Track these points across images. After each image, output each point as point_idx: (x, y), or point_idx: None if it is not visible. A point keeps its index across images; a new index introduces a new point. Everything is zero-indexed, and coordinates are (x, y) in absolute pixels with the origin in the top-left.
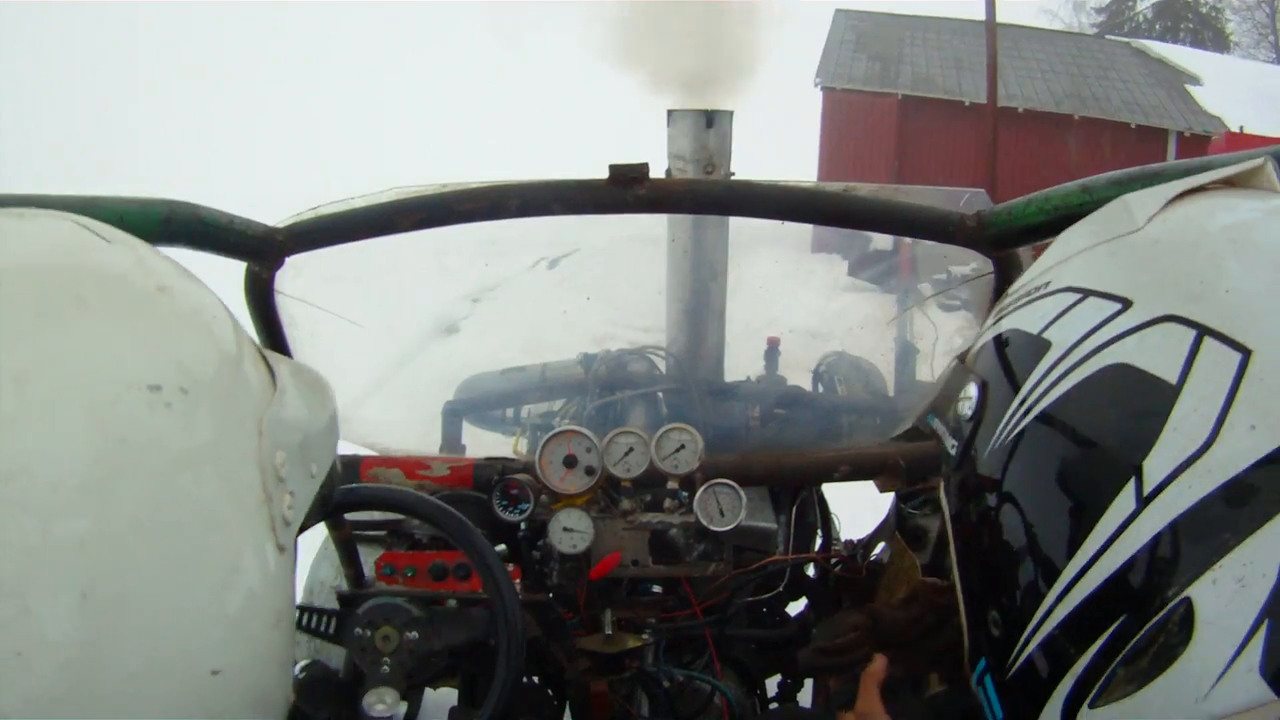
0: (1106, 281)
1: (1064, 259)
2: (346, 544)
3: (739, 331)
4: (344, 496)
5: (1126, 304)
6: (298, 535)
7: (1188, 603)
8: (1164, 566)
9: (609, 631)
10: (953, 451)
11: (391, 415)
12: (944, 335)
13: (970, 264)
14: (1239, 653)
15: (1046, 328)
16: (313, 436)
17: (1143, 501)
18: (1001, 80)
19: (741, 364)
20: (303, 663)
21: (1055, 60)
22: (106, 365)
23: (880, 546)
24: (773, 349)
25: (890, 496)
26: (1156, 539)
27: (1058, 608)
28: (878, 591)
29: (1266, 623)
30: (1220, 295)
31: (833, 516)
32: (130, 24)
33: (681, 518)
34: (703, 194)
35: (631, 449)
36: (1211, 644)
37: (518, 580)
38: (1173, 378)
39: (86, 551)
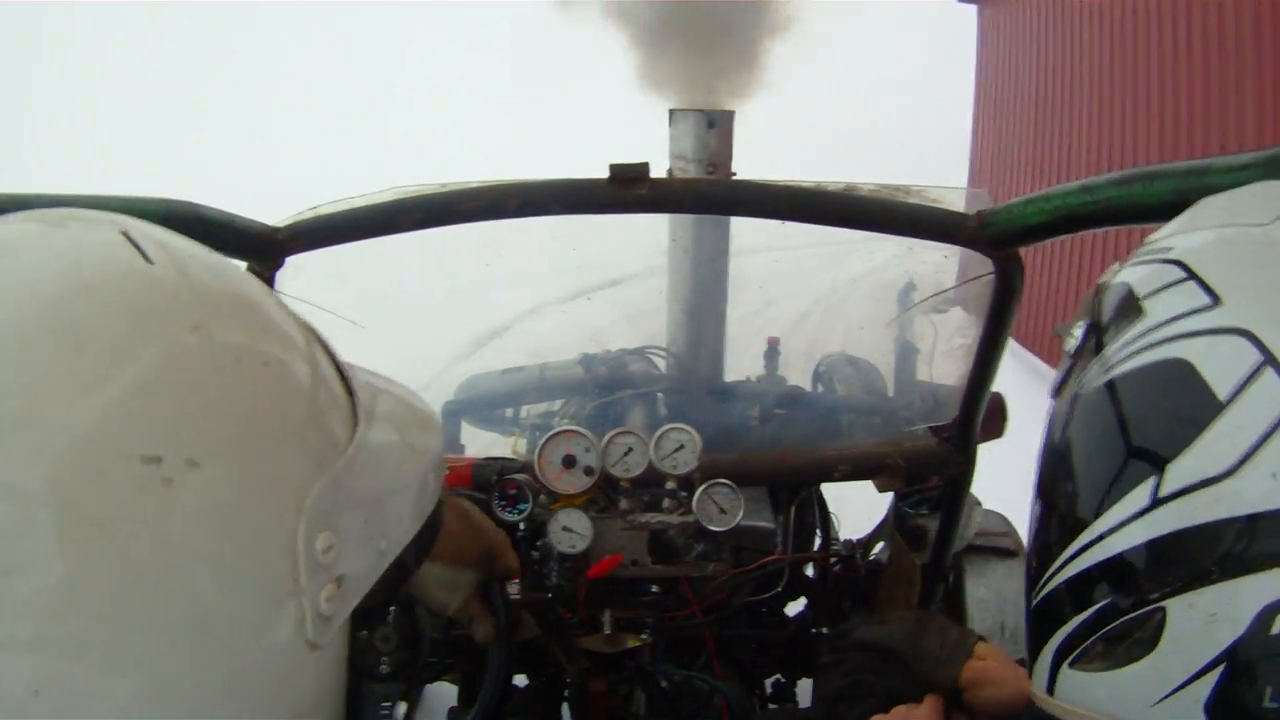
0: (1210, 271)
1: (1193, 228)
2: None
3: (739, 331)
4: None
5: (1216, 301)
6: (352, 621)
7: (1162, 613)
8: (1153, 571)
9: (608, 631)
10: (1055, 382)
11: None
12: (944, 335)
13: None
14: (1190, 681)
15: (1149, 295)
16: (392, 501)
17: (1155, 501)
18: None
19: (741, 364)
20: None
21: None
22: (98, 428)
23: (879, 546)
24: (773, 349)
25: (890, 496)
26: (1154, 542)
27: (1069, 564)
28: (876, 592)
29: (1224, 667)
30: None
31: (832, 516)
32: (130, 23)
33: (680, 517)
34: (703, 194)
35: (630, 449)
36: (1171, 660)
37: (517, 580)
38: (1224, 394)
39: (41, 660)
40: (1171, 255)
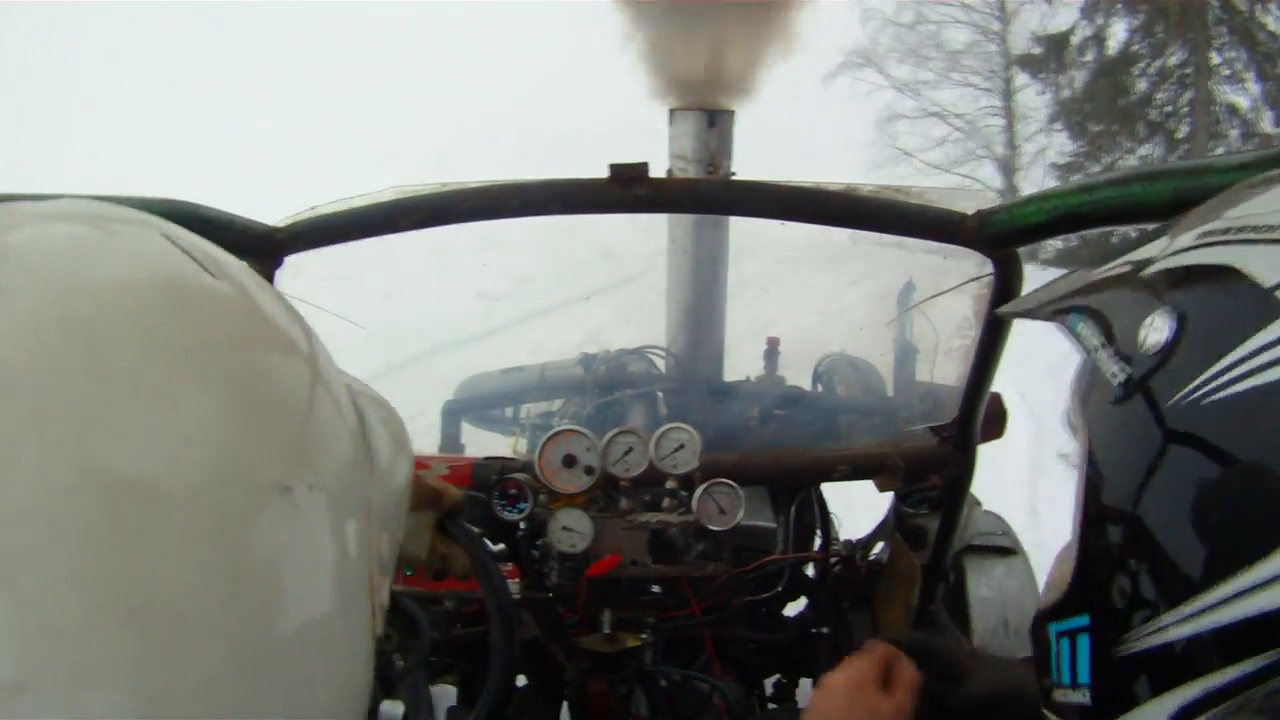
0: None
1: None
2: None
3: (739, 331)
4: None
5: None
6: None
7: None
8: None
9: (608, 631)
10: (1116, 380)
11: None
12: (943, 335)
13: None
14: None
15: None
16: (400, 499)
17: None
18: None
19: (741, 364)
20: None
21: None
22: (231, 461)
23: (879, 546)
24: (772, 349)
25: (889, 496)
26: None
27: (1216, 610)
28: (876, 592)
29: None
30: None
31: (831, 516)
32: (128, 23)
33: (680, 517)
34: (703, 193)
35: (631, 448)
36: None
37: (516, 580)
38: None
39: (223, 682)
40: None
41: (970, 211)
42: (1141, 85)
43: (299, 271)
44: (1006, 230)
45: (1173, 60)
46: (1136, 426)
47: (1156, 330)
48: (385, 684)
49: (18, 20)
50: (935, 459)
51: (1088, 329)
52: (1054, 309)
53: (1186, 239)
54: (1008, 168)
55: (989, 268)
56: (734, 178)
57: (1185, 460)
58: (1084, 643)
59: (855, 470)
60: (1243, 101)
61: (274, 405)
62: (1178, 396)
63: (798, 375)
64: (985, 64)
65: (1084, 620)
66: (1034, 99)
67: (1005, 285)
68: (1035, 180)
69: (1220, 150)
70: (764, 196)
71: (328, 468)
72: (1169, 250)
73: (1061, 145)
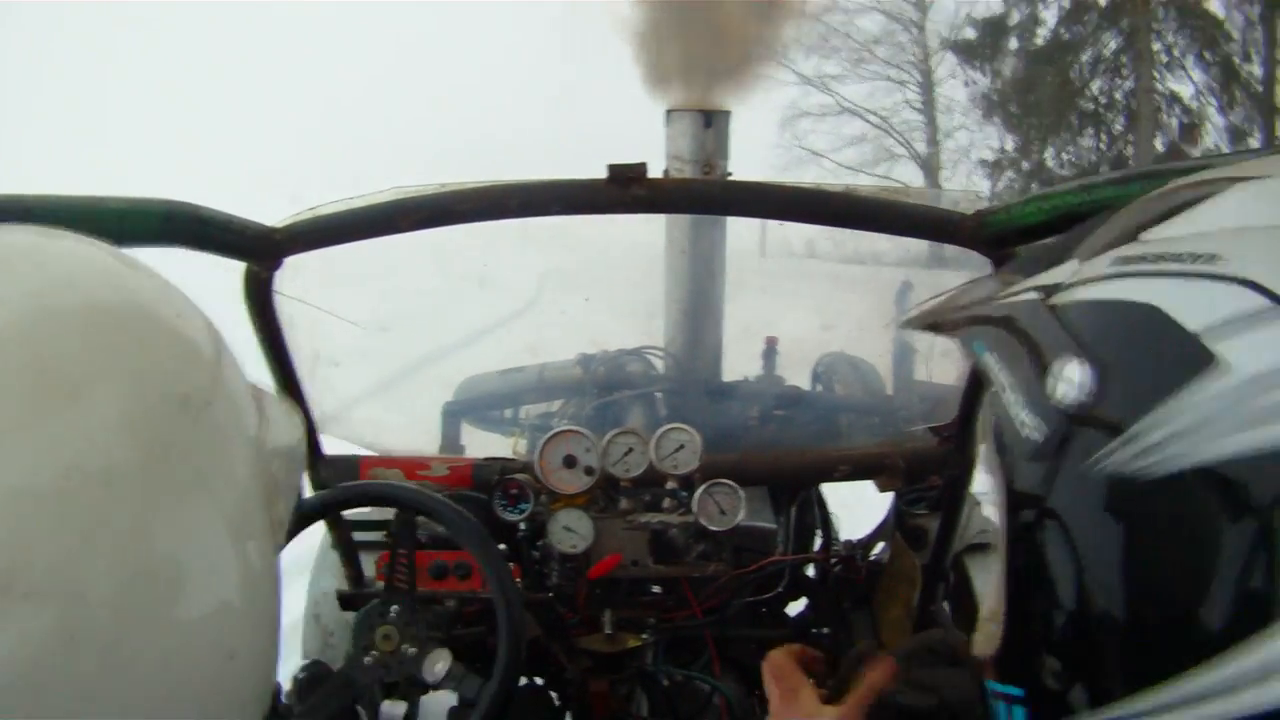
0: None
1: (1240, 226)
2: (346, 544)
3: (737, 331)
4: (345, 493)
5: None
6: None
7: None
8: None
9: (609, 631)
10: (1026, 433)
11: (391, 415)
12: (941, 336)
13: None
14: None
15: (1213, 334)
16: (295, 455)
17: None
18: None
19: (740, 364)
20: (303, 663)
21: None
22: (148, 379)
23: (880, 546)
24: (771, 349)
25: (890, 496)
26: None
27: (1171, 715)
28: (877, 592)
29: None
30: None
31: (832, 516)
32: (126, 22)
33: (681, 518)
34: (701, 194)
35: (631, 449)
36: None
37: (517, 580)
38: None
39: (135, 538)
40: (1229, 271)
41: (970, 212)
42: (1075, 74)
43: (298, 271)
44: (1006, 230)
45: (1110, 46)
46: (1055, 492)
47: (1067, 382)
48: (387, 688)
49: (16, 20)
50: (935, 459)
51: (994, 363)
52: (956, 323)
53: (1100, 264)
54: (930, 166)
55: (989, 268)
56: (730, 178)
57: (1109, 539)
58: (1019, 714)
59: (855, 470)
60: (1185, 90)
61: (178, 345)
62: (1099, 464)
63: (796, 375)
64: (899, 55)
65: (1018, 692)
66: (957, 91)
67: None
68: (961, 179)
69: (1160, 142)
70: (763, 197)
71: (216, 393)
72: (1080, 277)
73: (988, 140)
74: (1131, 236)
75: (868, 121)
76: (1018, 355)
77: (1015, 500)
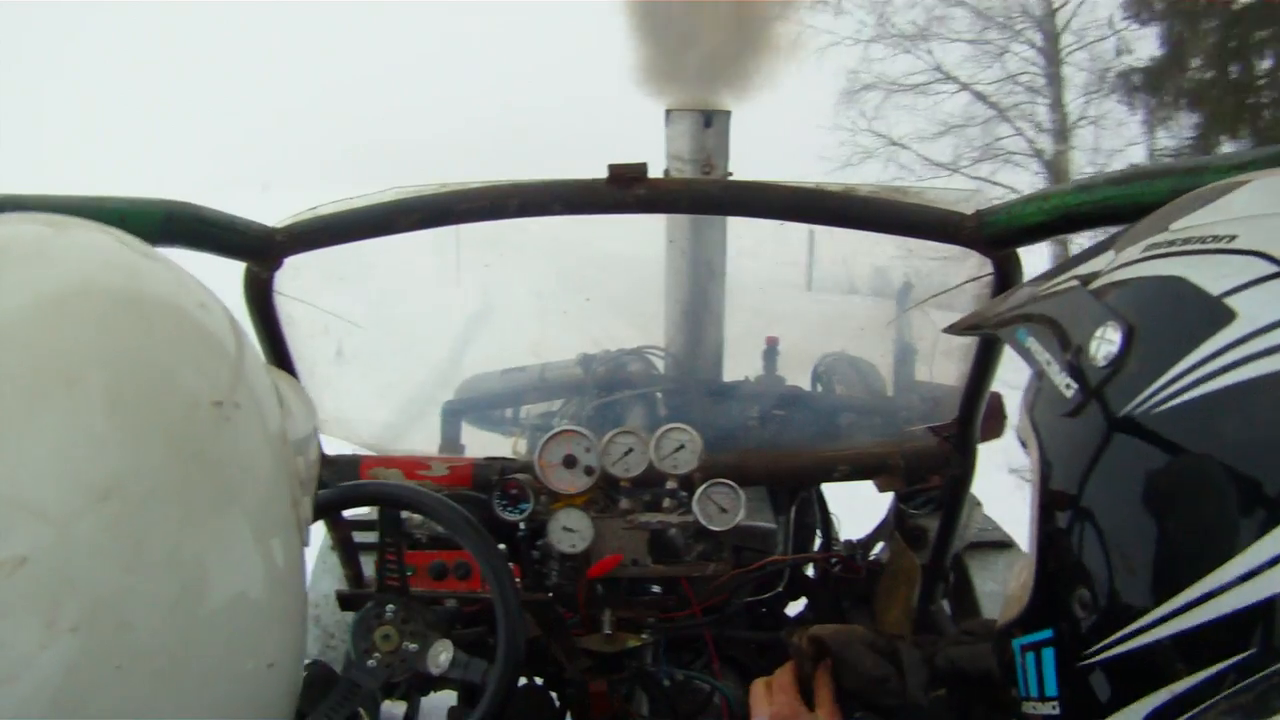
0: None
1: (1258, 213)
2: (346, 544)
3: (738, 331)
4: (345, 493)
5: None
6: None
7: None
8: None
9: (608, 631)
10: (1068, 392)
11: (391, 415)
12: (942, 335)
13: None
14: None
15: (1230, 293)
16: (311, 447)
17: None
18: None
19: (740, 364)
20: (304, 662)
21: None
22: (179, 384)
23: (879, 546)
24: (771, 349)
25: (890, 496)
26: None
27: (1177, 618)
28: (877, 592)
29: None
30: None
31: (832, 516)
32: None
33: (680, 517)
34: (701, 194)
35: (631, 449)
36: None
37: (517, 580)
38: None
39: (176, 559)
40: (1245, 245)
41: (970, 211)
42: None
43: (299, 271)
44: (1006, 230)
45: None
46: (1090, 438)
47: (1107, 341)
48: (388, 688)
49: (17, 20)
50: (935, 459)
51: (1036, 343)
52: (999, 323)
53: (1133, 252)
54: (1057, 169)
55: (989, 268)
56: (731, 178)
57: (1140, 470)
58: (1049, 656)
59: (855, 470)
60: None
61: (206, 343)
62: (1130, 406)
63: (796, 375)
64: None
65: (1048, 634)
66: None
67: (1005, 286)
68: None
69: None
70: (763, 197)
71: (246, 392)
72: (1115, 264)
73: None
74: (1162, 228)
75: (985, 101)
76: (1060, 333)
77: (1051, 455)
